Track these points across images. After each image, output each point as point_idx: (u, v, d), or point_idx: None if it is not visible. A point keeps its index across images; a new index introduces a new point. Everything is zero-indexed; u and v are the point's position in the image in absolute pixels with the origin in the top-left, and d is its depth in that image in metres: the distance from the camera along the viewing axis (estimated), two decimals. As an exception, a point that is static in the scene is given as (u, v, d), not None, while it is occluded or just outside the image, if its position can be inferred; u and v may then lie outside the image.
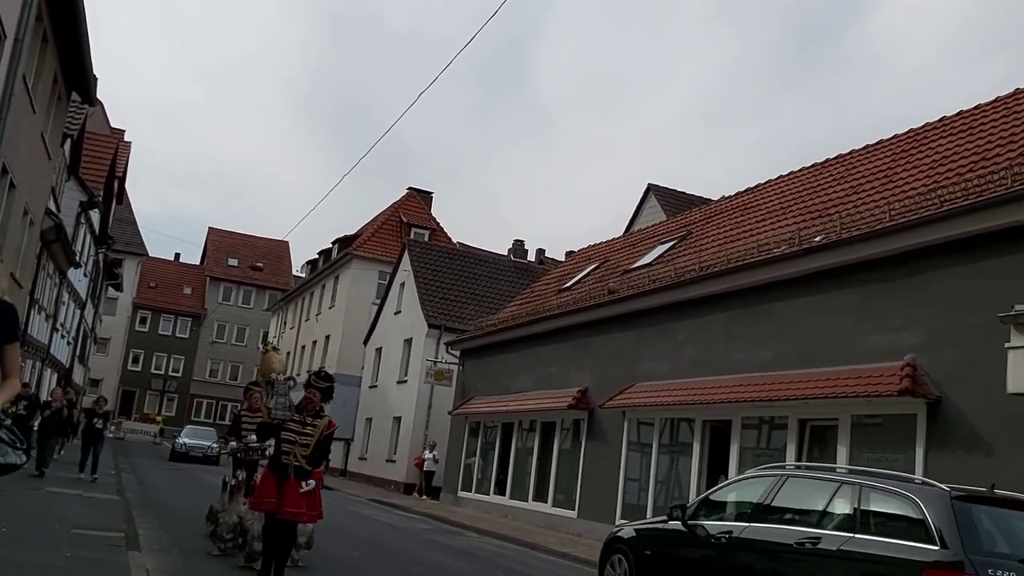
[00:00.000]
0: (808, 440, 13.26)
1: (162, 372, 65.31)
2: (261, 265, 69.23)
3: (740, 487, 8.56)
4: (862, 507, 6.69)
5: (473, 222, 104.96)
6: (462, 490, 24.70)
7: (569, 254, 33.30)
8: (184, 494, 17.39)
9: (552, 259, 42.31)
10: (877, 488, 6.78)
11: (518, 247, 42.42)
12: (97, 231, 32.19)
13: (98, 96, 25.39)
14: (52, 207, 22.05)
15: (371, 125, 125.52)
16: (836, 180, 16.85)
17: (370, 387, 35.72)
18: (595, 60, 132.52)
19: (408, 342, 32.57)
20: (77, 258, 27.32)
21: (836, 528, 6.76)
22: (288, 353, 49.77)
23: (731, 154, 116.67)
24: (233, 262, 68.98)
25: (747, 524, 7.50)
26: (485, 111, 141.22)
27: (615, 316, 18.87)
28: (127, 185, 42.12)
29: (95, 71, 19.23)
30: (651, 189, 29.82)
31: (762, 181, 20.34)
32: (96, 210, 29.53)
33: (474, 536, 17.49)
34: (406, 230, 42.12)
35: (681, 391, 15.84)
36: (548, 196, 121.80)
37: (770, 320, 14.48)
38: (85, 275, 32.79)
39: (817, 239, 13.64)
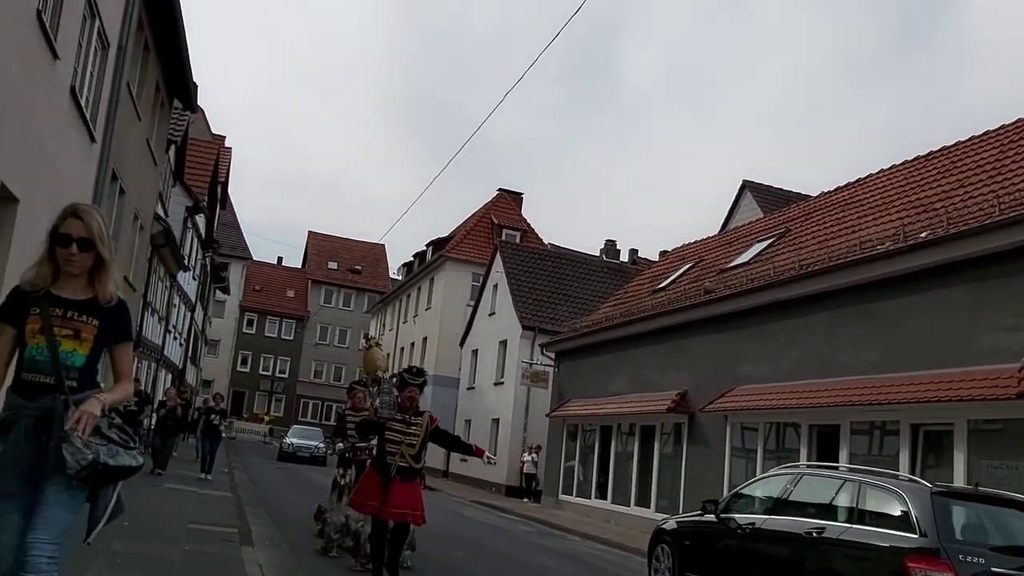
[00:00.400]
0: (922, 446, 12.75)
1: (269, 373, 67.45)
2: (360, 268, 70.80)
3: (764, 483, 9.51)
4: (860, 501, 7.63)
5: (564, 222, 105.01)
6: (563, 493, 24.69)
7: (663, 254, 32.92)
8: (293, 492, 17.97)
9: (645, 259, 41.88)
10: (872, 485, 7.71)
11: (610, 247, 42.14)
12: (203, 235, 33.44)
13: (198, 103, 26.43)
14: (160, 212, 23.01)
15: (460, 127, 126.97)
16: (941, 173, 16.18)
17: (467, 389, 36.11)
18: (684, 55, 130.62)
19: (503, 344, 32.79)
20: (186, 262, 28.42)
21: (838, 519, 7.70)
22: (388, 355, 50.75)
23: (829, 149, 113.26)
24: (333, 265, 70.75)
25: (767, 516, 8.52)
26: (574, 110, 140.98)
27: (712, 317, 18.57)
28: (229, 190, 43.75)
29: (195, 78, 19.99)
30: (746, 186, 29.23)
31: (863, 176, 19.70)
32: (202, 215, 30.64)
33: (577, 539, 17.46)
34: (497, 231, 42.38)
35: (785, 394, 15.46)
36: (639, 195, 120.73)
37: (874, 320, 14.01)
38: (194, 278, 34.11)
39: (923, 235, 13.13)
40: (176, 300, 30.03)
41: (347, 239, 74.48)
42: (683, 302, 19.85)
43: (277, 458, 32.80)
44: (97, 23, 12.72)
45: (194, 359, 40.27)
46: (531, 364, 29.03)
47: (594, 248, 44.01)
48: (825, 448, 14.77)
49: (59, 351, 3.20)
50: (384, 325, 54.02)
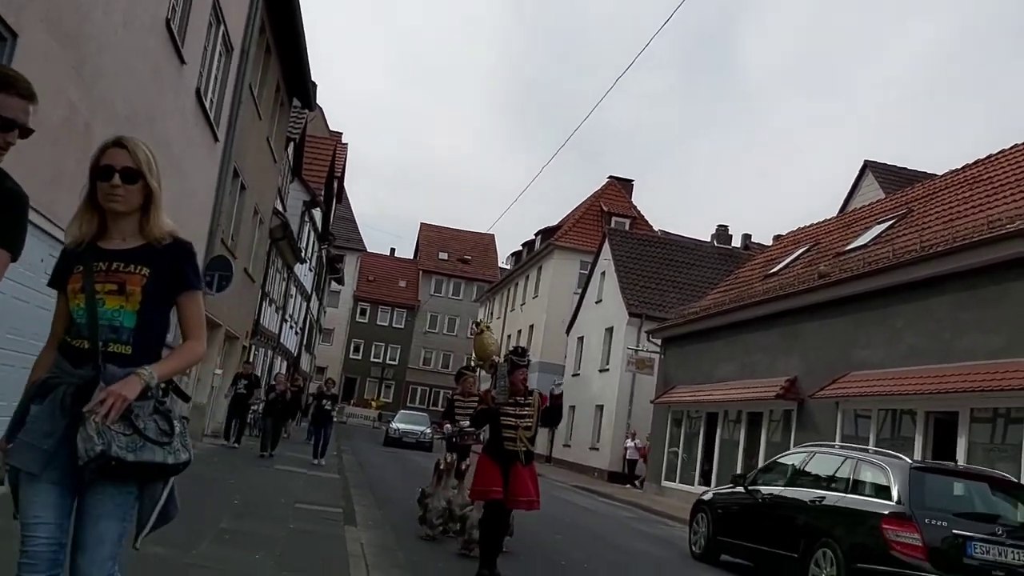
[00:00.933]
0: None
1: (380, 360, 69.20)
2: (469, 258, 71.68)
3: (786, 459, 11.30)
4: (854, 474, 9.27)
5: (675, 209, 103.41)
6: (666, 479, 24.38)
7: (776, 238, 31.92)
8: (399, 476, 18.32)
9: (758, 244, 40.76)
10: (865, 460, 9.35)
11: (722, 232, 41.20)
12: (320, 228, 34.46)
13: (317, 101, 27.20)
14: (279, 207, 23.83)
15: (573, 115, 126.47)
16: (1079, 146, 15.04)
17: (572, 375, 36.07)
18: (803, 35, 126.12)
19: (609, 331, 32.56)
20: (302, 254, 29.36)
21: (835, 489, 9.30)
22: (495, 342, 51.23)
23: (957, 128, 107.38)
24: (443, 255, 71.88)
25: (784, 487, 10.19)
26: (688, 94, 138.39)
27: (826, 301, 17.88)
28: (345, 184, 44.92)
29: (313, 78, 20.62)
30: (868, 166, 27.96)
31: (994, 152, 18.53)
32: (318, 209, 31.61)
33: (677, 525, 17.18)
34: (607, 219, 42.05)
35: (901, 380, 14.76)
36: (754, 180, 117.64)
37: (1002, 303, 13.16)
38: (310, 270, 35.21)
39: (1058, 211, 12.24)
40: (293, 290, 31.05)
41: (458, 230, 75.59)
42: (796, 287, 19.20)
43: (383, 443, 32.47)
44: (222, 28, 13.27)
45: (309, 347, 41.58)
46: (637, 351, 28.73)
47: (705, 234, 43.16)
48: (942, 436, 14.03)
49: (99, 310, 2.66)
50: (492, 313, 54.53)
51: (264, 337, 25.47)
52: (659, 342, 26.96)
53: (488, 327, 10.11)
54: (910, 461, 8.95)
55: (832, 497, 9.11)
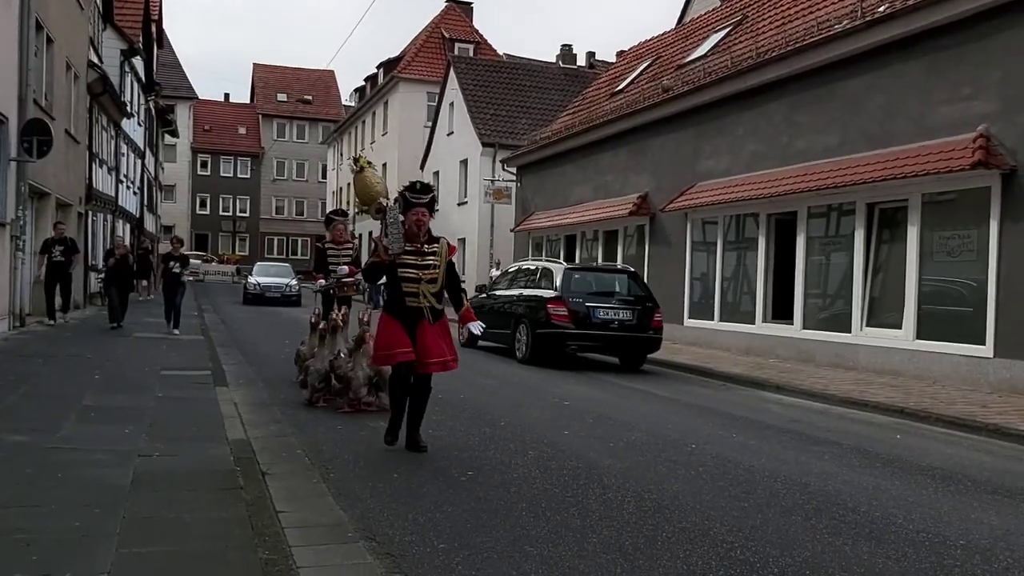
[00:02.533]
0: (877, 224, 12.93)
1: (230, 214, 66.76)
2: (310, 97, 68.60)
3: (509, 271, 16.33)
4: (539, 276, 14.27)
5: (518, 31, 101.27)
6: (531, 302, 25.19)
7: (620, 54, 31.93)
8: (266, 332, 18.05)
9: (603, 62, 40.71)
10: (544, 267, 14.53)
11: (566, 52, 40.80)
12: (143, 79, 32.01)
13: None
14: (94, 59, 21.85)
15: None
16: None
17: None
18: None
19: (464, 163, 32.34)
20: (128, 108, 27.34)
21: (526, 288, 14.39)
22: (348, 184, 50.13)
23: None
24: (282, 97, 68.45)
25: (504, 290, 15.30)
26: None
27: (671, 115, 18.26)
28: (165, 27, 41.46)
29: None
30: (701, -27, 27.99)
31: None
32: (139, 57, 29.21)
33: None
34: (449, 46, 40.83)
35: (743, 186, 15.48)
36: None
37: (834, 103, 13.80)
38: (139, 124, 32.93)
39: (881, 9, 12.69)
40: (124, 149, 29.10)
41: (294, 68, 71.78)
42: (641, 103, 19.45)
43: (243, 301, 28.82)
44: None
45: (151, 207, 39.51)
46: (493, 181, 28.77)
47: (550, 56, 42.66)
48: (783, 234, 14.99)
49: None
50: (342, 155, 52.98)
51: (100, 202, 23.94)
52: (514, 170, 27.05)
53: (370, 163, 8.44)
54: (566, 264, 15.09)
55: (526, 293, 14.11)
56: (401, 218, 6.49)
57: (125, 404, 7.58)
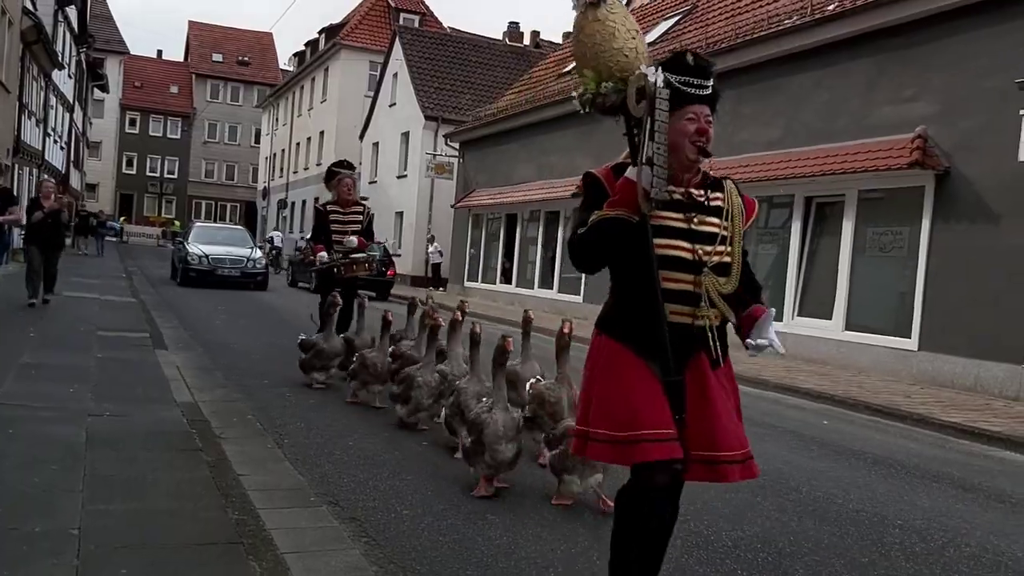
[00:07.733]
0: (814, 217, 13.32)
1: (158, 174, 64.88)
2: (247, 59, 66.94)
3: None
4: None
5: (464, 4, 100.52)
6: (469, 280, 25.20)
7: (567, 36, 31.97)
8: (199, 299, 17.66)
9: (549, 42, 40.65)
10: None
11: (513, 30, 40.60)
12: (76, 29, 30.85)
13: None
14: (28, 5, 21.00)
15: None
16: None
17: (369, 183, 35.55)
18: None
19: (405, 136, 32.05)
20: (60, 58, 26.35)
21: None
22: (282, 151, 49.22)
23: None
24: (218, 57, 66.59)
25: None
26: None
27: (618, 99, 18.39)
28: (97, -22, 39.90)
29: None
30: (652, -40, 28.11)
31: (772, -53, 19.14)
32: (72, 6, 28.17)
33: (485, 323, 17.97)
34: (395, 16, 40.30)
35: (686, 173, 15.71)
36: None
37: (779, 97, 14.12)
38: (69, 76, 31.79)
39: (831, 7, 13.02)
40: (53, 101, 28.09)
41: (232, 28, 70.03)
42: (588, 85, 19.52)
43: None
44: None
45: (77, 163, 38.19)
46: (435, 155, 28.60)
47: (496, 32, 42.44)
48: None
49: None
50: (277, 120, 51.93)
51: (27, 155, 23.06)
52: (457, 146, 26.92)
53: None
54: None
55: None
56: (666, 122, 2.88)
57: (65, 363, 7.41)
